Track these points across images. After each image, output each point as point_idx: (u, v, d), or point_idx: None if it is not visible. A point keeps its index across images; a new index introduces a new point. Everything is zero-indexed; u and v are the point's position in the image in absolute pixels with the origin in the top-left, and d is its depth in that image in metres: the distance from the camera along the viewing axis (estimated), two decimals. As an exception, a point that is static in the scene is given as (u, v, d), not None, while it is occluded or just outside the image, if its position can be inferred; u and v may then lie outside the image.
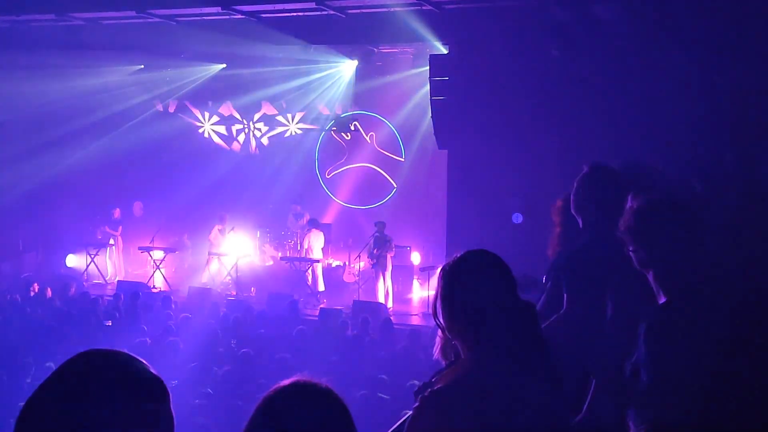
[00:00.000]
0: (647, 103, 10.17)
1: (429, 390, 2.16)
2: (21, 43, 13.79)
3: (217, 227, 15.24)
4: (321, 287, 14.53)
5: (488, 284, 2.25)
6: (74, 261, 16.21)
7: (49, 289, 12.66)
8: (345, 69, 15.50)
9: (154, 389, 1.40)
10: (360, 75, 15.36)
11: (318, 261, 14.64)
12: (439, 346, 2.38)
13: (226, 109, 17.37)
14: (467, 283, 2.27)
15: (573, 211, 3.52)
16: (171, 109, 17.56)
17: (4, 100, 15.07)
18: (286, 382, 1.67)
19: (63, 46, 13.63)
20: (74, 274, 15.39)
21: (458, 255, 2.35)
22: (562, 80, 10.56)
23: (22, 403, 1.37)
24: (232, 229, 15.27)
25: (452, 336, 2.25)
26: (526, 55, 10.75)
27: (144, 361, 1.43)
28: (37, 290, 12.69)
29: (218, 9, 11.58)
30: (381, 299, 13.44)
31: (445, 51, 11.92)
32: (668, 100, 9.37)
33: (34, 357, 8.69)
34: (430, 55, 11.79)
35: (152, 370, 1.42)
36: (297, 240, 15.19)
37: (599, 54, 10.59)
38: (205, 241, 15.49)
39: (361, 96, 15.64)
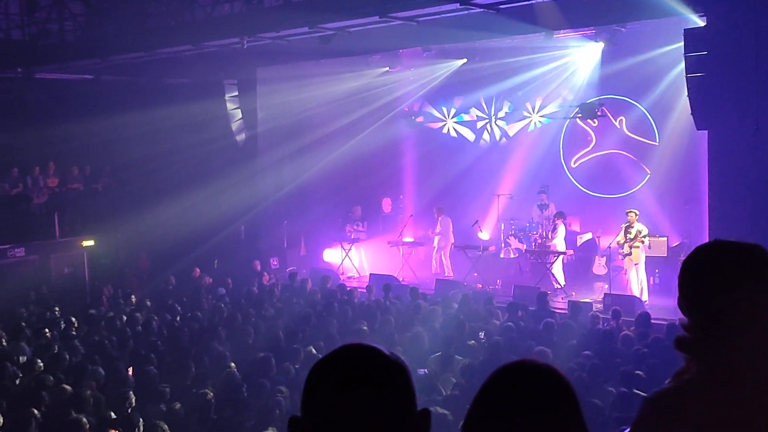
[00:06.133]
0: None
1: (655, 390, 2.04)
2: (279, 57, 15.05)
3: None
4: (561, 281, 14.06)
5: (732, 287, 1.95)
6: (330, 256, 17.37)
7: (309, 282, 13.69)
8: (589, 52, 14.84)
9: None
10: (606, 57, 14.59)
11: (563, 253, 14.21)
12: None
13: (468, 103, 17.50)
14: (706, 283, 2.00)
15: None
16: (415, 108, 18.12)
17: (268, 109, 16.57)
18: (510, 362, 1.72)
19: (316, 56, 14.64)
20: (331, 268, 16.49)
21: (703, 247, 2.07)
22: None
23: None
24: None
25: (688, 332, 2.04)
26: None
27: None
28: (299, 282, 13.79)
29: (456, 5, 11.64)
30: (635, 292, 12.70)
31: (701, 23, 10.96)
32: None
33: (299, 343, 9.36)
34: (685, 29, 10.96)
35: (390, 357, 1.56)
36: (542, 231, 14.86)
37: None
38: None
39: (608, 79, 14.84)
